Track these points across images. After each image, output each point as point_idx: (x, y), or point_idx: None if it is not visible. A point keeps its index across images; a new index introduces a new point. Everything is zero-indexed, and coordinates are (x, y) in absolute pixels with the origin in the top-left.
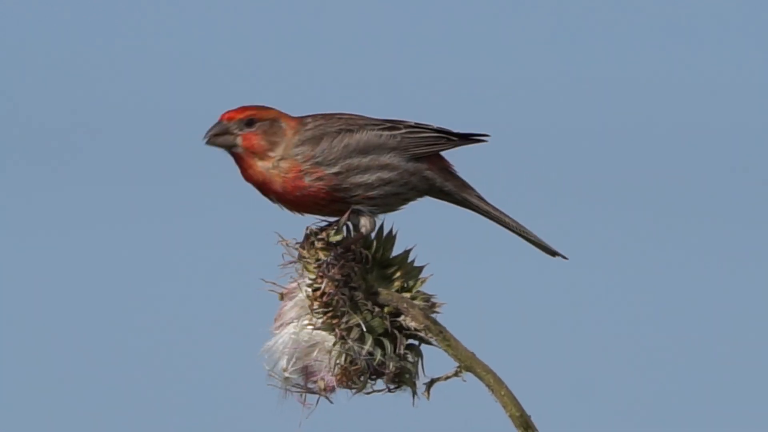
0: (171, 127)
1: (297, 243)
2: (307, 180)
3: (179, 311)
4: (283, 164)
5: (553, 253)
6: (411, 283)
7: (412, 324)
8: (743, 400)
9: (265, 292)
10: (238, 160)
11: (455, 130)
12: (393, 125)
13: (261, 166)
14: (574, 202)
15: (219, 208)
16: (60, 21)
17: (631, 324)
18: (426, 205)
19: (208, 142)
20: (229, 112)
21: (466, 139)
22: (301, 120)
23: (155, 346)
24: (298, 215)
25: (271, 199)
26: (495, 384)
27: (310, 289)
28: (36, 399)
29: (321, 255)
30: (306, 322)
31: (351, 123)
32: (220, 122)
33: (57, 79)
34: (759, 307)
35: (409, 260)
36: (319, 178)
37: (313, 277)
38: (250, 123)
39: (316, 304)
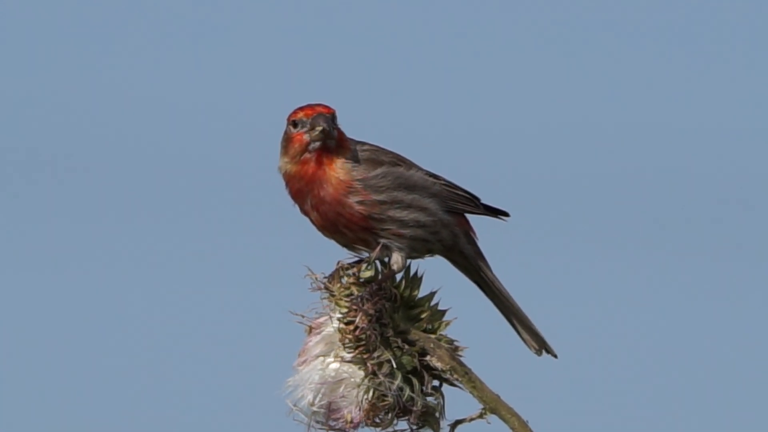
0: (203, 156)
1: (325, 277)
2: (351, 198)
3: (205, 343)
4: (340, 173)
5: (544, 350)
6: (435, 325)
7: (438, 364)
8: None
9: (285, 325)
10: (318, 153)
11: (481, 199)
12: (433, 174)
13: (330, 165)
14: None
15: (242, 240)
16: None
17: (654, 372)
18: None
19: (327, 127)
20: (320, 106)
21: (489, 211)
22: (352, 140)
23: (179, 378)
24: (323, 238)
25: (303, 203)
26: (519, 427)
27: (341, 323)
28: None
29: (353, 290)
30: (332, 358)
31: (401, 159)
32: (320, 114)
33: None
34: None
35: (434, 303)
36: (362, 201)
37: (344, 311)
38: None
39: (347, 338)
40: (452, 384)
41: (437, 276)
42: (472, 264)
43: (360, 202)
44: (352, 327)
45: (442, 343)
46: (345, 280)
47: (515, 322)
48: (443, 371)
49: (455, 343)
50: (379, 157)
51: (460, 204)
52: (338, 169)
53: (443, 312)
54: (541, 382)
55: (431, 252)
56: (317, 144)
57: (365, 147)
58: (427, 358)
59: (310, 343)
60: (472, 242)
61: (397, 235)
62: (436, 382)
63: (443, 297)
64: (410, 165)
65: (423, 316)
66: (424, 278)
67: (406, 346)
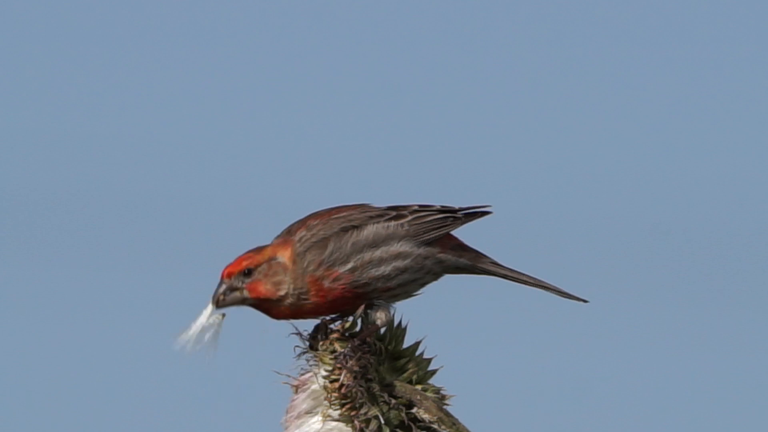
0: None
1: (309, 334)
2: (326, 284)
3: (191, 402)
4: (302, 286)
5: (573, 298)
6: (421, 374)
7: (426, 416)
8: None
9: (271, 385)
10: (257, 309)
11: (457, 207)
12: (397, 213)
13: (281, 305)
14: (586, 266)
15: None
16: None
17: (648, 415)
18: (435, 291)
19: (219, 305)
20: (226, 268)
21: (470, 215)
22: (291, 241)
23: None
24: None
25: (307, 318)
26: None
27: (326, 381)
28: None
29: (337, 346)
30: (319, 414)
31: (351, 219)
32: (222, 281)
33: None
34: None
35: (419, 352)
36: (336, 279)
37: (329, 368)
38: (249, 273)
39: (333, 396)
40: None
41: (422, 323)
42: (472, 270)
43: (334, 281)
44: (337, 385)
45: (429, 393)
46: (330, 335)
47: (538, 287)
48: (431, 422)
49: (442, 391)
50: (327, 233)
51: (434, 231)
52: (290, 299)
53: (429, 360)
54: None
55: (426, 284)
56: (249, 301)
57: (305, 237)
58: (414, 410)
59: (297, 400)
60: (464, 252)
61: (386, 290)
62: None
63: (429, 344)
64: (363, 220)
65: (408, 366)
66: (408, 327)
67: (393, 401)
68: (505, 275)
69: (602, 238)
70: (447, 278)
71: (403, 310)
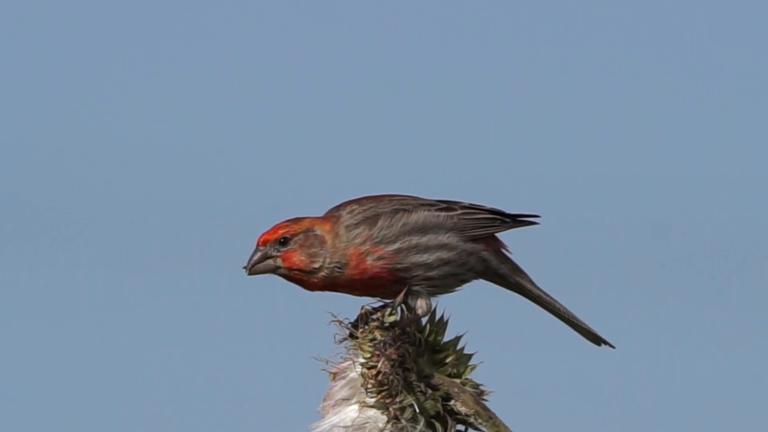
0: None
1: (350, 323)
2: (369, 261)
3: (231, 389)
4: (340, 259)
5: (601, 342)
6: (461, 369)
7: (463, 409)
8: None
9: (311, 371)
10: (289, 279)
11: (507, 212)
12: (448, 206)
13: (314, 277)
14: (625, 290)
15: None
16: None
17: (677, 414)
18: (476, 290)
19: (251, 272)
20: (263, 235)
21: (518, 220)
22: (336, 215)
23: (206, 426)
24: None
25: (339, 292)
26: None
27: (364, 368)
28: None
29: (377, 334)
30: (356, 402)
31: (404, 203)
32: (257, 249)
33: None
34: None
35: (459, 346)
36: (380, 257)
37: (367, 356)
38: (284, 242)
39: (370, 383)
40: (477, 429)
41: (464, 319)
42: (510, 282)
43: (378, 258)
44: (374, 372)
45: (467, 388)
46: (370, 324)
47: (566, 323)
48: (468, 416)
49: (481, 387)
50: (376, 211)
51: (482, 228)
52: (324, 272)
53: (469, 356)
54: (566, 428)
55: (466, 281)
56: (282, 270)
57: (356, 210)
58: (452, 402)
59: (335, 388)
60: (506, 260)
61: (426, 279)
62: (461, 427)
63: (469, 340)
64: (415, 206)
65: (448, 360)
66: (450, 322)
67: (430, 391)
68: (539, 297)
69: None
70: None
71: (445, 305)
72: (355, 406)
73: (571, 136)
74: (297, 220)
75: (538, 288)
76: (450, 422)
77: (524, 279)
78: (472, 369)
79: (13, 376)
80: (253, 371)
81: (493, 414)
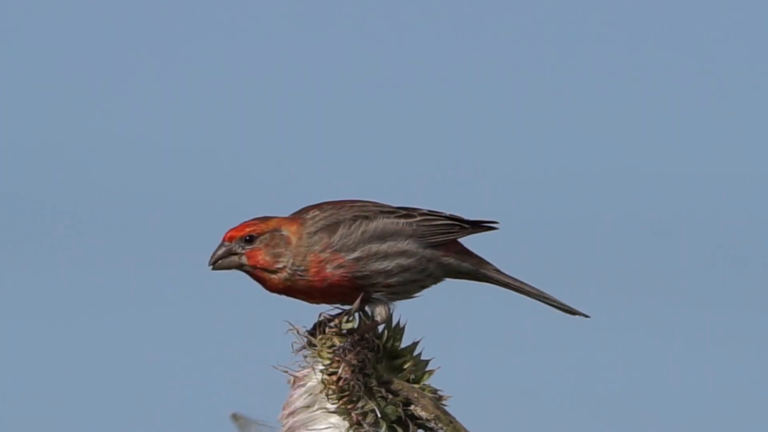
0: (181, 210)
1: (307, 331)
2: (329, 269)
3: (189, 399)
4: (301, 263)
5: (574, 312)
6: (419, 375)
7: (423, 413)
8: None
9: (271, 381)
10: (252, 276)
11: (466, 218)
12: (407, 213)
13: (276, 277)
14: (624, 290)
15: (220, 296)
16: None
17: (644, 416)
18: (432, 295)
19: (215, 267)
20: (229, 231)
21: (477, 226)
22: (302, 218)
23: None
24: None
25: (297, 298)
26: None
27: (324, 375)
28: None
29: (336, 341)
30: (317, 409)
31: (364, 210)
32: (222, 244)
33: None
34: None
35: (417, 352)
36: (340, 266)
37: (327, 362)
38: (250, 240)
39: (331, 389)
40: None
41: (420, 325)
42: (474, 275)
43: (338, 267)
44: (335, 378)
45: (426, 393)
46: (328, 331)
47: (538, 300)
48: (428, 420)
49: (439, 392)
50: (339, 217)
51: (441, 234)
52: (285, 273)
53: (426, 362)
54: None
55: (425, 287)
56: (246, 267)
57: (318, 217)
58: (412, 407)
59: (294, 396)
60: (467, 257)
61: (386, 286)
62: (421, 431)
63: (426, 346)
64: (375, 213)
65: (406, 366)
66: (406, 327)
67: (390, 396)
68: (507, 284)
69: (604, 246)
70: (447, 282)
71: (401, 311)
72: (317, 413)
73: (571, 136)
74: (265, 219)
75: (504, 274)
76: (411, 427)
77: (489, 270)
78: (430, 374)
79: (12, 376)
80: (211, 378)
81: (453, 418)
